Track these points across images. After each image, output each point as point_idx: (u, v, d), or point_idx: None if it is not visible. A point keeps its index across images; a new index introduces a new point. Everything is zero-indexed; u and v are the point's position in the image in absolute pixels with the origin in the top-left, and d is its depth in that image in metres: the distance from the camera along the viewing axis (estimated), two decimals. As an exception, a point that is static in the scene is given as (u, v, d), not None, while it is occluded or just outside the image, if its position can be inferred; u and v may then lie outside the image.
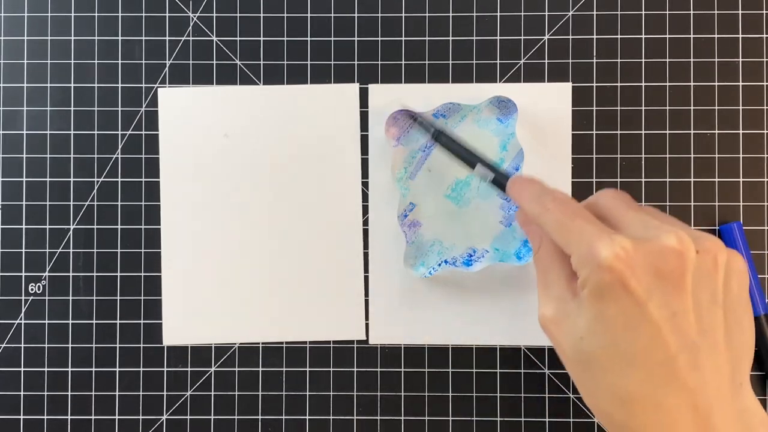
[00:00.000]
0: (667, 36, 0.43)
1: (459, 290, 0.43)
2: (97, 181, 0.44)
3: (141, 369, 0.44)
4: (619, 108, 0.43)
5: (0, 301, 0.44)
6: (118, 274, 0.44)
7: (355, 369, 0.43)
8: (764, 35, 0.43)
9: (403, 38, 0.44)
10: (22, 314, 0.44)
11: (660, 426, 0.28)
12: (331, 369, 0.43)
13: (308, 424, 0.43)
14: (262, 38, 0.44)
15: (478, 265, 0.42)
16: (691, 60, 0.43)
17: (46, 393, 0.44)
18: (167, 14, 0.44)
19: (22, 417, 0.44)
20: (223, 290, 0.43)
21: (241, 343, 0.44)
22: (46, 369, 0.44)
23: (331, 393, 0.43)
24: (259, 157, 0.44)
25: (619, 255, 0.28)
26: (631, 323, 0.28)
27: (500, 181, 0.37)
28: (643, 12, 0.44)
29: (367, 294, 0.43)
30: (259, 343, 0.43)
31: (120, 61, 0.44)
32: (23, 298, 0.44)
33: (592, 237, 0.29)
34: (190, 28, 0.44)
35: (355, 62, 0.44)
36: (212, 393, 0.43)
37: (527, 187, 0.34)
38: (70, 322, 0.44)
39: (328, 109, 0.44)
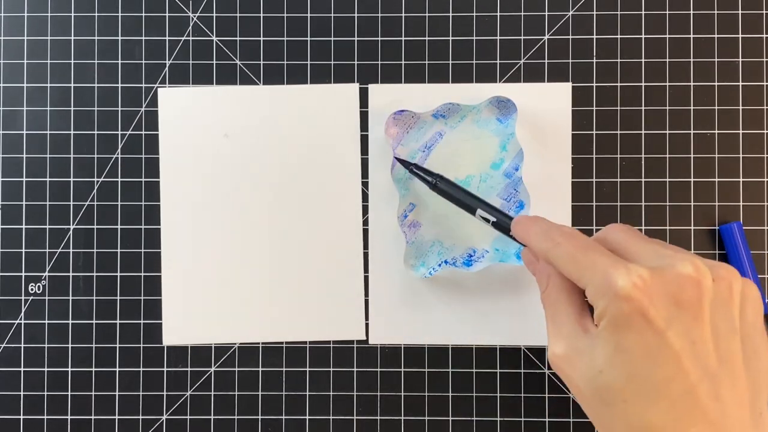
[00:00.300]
0: (667, 36, 0.43)
1: (459, 290, 0.43)
2: (97, 181, 0.44)
3: (141, 369, 0.44)
4: (619, 108, 0.43)
5: (0, 301, 0.44)
6: (118, 274, 0.44)
7: (355, 369, 0.43)
8: (764, 35, 0.43)
9: (403, 38, 0.44)
10: (22, 314, 0.44)
11: None
12: (331, 369, 0.43)
13: (308, 424, 0.43)
14: (262, 38, 0.44)
15: (478, 265, 0.42)
16: (691, 60, 0.43)
17: (46, 393, 0.44)
18: (167, 14, 0.44)
19: (22, 417, 0.44)
20: (223, 290, 0.43)
21: (241, 343, 0.44)
22: (46, 369, 0.44)
23: (331, 393, 0.43)
24: (258, 157, 0.44)
25: (636, 284, 0.28)
26: (651, 353, 0.28)
27: (502, 223, 0.37)
28: (643, 12, 0.44)
29: (367, 294, 0.43)
30: (259, 343, 0.43)
31: (120, 61, 0.44)
32: (23, 298, 0.44)
33: (607, 267, 0.29)
34: (190, 28, 0.44)
35: (355, 62, 0.44)
36: (212, 393, 0.43)
37: (533, 225, 0.34)
38: (70, 322, 0.44)
39: (328, 109, 0.44)
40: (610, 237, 0.32)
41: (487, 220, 0.38)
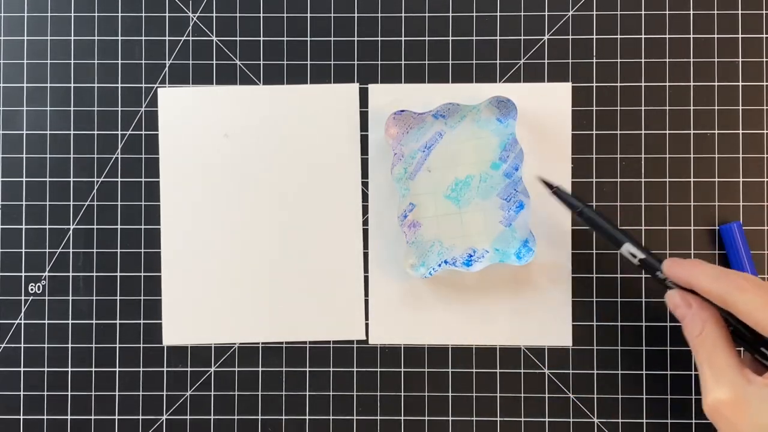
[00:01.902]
0: (667, 36, 0.43)
1: (459, 290, 0.43)
2: (97, 181, 0.44)
3: (141, 369, 0.43)
4: (619, 108, 0.43)
5: (0, 301, 0.44)
6: (118, 274, 0.44)
7: (355, 369, 0.43)
8: (764, 35, 0.43)
9: (403, 38, 0.44)
10: (22, 314, 0.44)
11: None
12: (331, 369, 0.43)
13: (308, 424, 0.43)
14: (262, 38, 0.44)
15: (478, 265, 0.42)
16: (691, 60, 0.43)
17: (46, 393, 0.44)
18: (167, 14, 0.44)
19: (21, 417, 0.43)
20: (223, 290, 0.43)
21: (241, 343, 0.43)
22: (46, 369, 0.44)
23: (331, 393, 0.43)
24: (258, 156, 0.44)
25: None
26: None
27: (650, 262, 0.37)
28: (643, 12, 0.44)
29: (367, 294, 0.43)
30: (259, 343, 0.43)
31: (120, 61, 0.44)
32: (23, 298, 0.44)
33: None
34: (190, 28, 0.44)
35: (355, 62, 0.44)
36: (212, 393, 0.43)
37: (699, 266, 0.34)
38: (70, 322, 0.44)
39: (328, 109, 0.44)
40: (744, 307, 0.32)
41: (633, 256, 0.37)
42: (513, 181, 0.42)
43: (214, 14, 0.44)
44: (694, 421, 0.42)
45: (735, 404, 0.31)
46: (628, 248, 0.37)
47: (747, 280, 0.32)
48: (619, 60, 0.43)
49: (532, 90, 0.43)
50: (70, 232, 0.44)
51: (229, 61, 0.44)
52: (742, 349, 0.36)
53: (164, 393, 0.43)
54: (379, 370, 0.43)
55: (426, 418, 0.43)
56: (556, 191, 0.39)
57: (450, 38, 0.44)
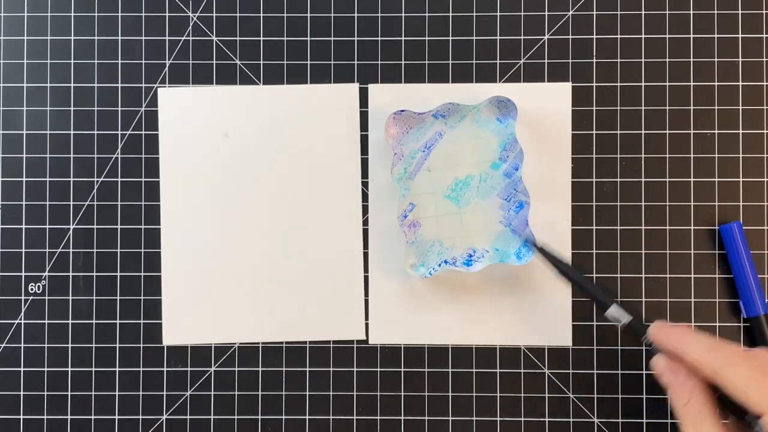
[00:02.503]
0: (667, 36, 0.43)
1: (459, 290, 0.43)
2: (97, 181, 0.44)
3: (141, 369, 0.43)
4: (619, 108, 0.43)
5: (0, 301, 0.44)
6: (118, 274, 0.44)
7: (355, 369, 0.43)
8: (764, 35, 0.43)
9: (403, 38, 0.44)
10: (22, 314, 0.44)
11: None
12: (331, 369, 0.43)
13: (308, 424, 0.43)
14: (262, 38, 0.44)
15: (478, 265, 0.42)
16: (691, 60, 0.43)
17: (46, 393, 0.44)
18: (167, 14, 0.44)
19: (21, 417, 0.43)
20: (223, 290, 0.43)
21: (241, 343, 0.43)
22: (46, 369, 0.44)
23: (331, 393, 0.43)
24: (258, 156, 0.44)
25: None
26: None
27: (636, 327, 0.36)
28: (643, 12, 0.44)
29: (367, 294, 0.43)
30: (259, 343, 0.43)
31: (120, 61, 0.44)
32: (23, 298, 0.44)
33: None
34: (190, 28, 0.44)
35: (355, 62, 0.44)
36: (212, 393, 0.43)
37: (689, 336, 0.34)
38: (70, 322, 0.44)
39: (328, 109, 0.44)
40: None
41: (618, 320, 0.37)
42: (513, 181, 0.42)
43: (214, 14, 0.44)
44: (694, 421, 0.42)
45: None
46: (613, 312, 0.37)
47: (738, 354, 0.32)
48: (619, 60, 0.43)
49: (532, 90, 0.43)
50: (70, 232, 0.44)
51: (229, 61, 0.44)
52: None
53: (164, 393, 0.43)
54: (379, 370, 0.43)
55: (426, 418, 0.43)
56: (541, 251, 0.39)
57: (450, 38, 0.44)
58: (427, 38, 0.44)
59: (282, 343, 0.43)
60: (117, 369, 0.44)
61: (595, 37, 0.43)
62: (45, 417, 0.43)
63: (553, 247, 0.39)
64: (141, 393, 0.43)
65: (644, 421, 0.42)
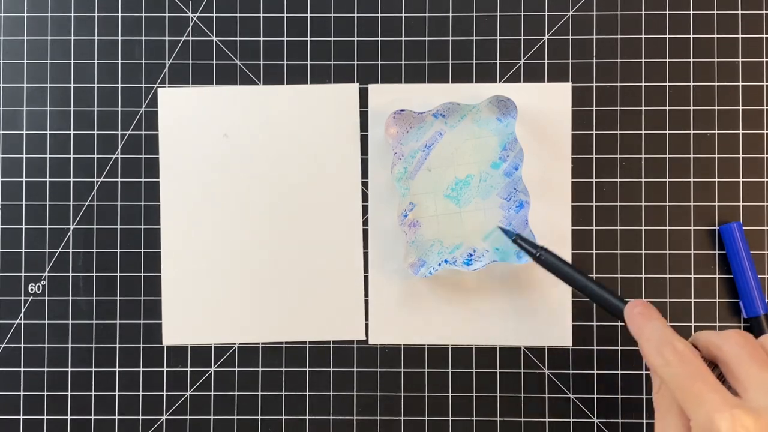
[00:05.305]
0: (667, 36, 0.43)
1: (459, 290, 0.43)
2: (97, 181, 0.44)
3: (141, 369, 0.43)
4: (618, 108, 0.43)
5: (0, 301, 0.44)
6: (118, 274, 0.44)
7: (355, 369, 0.43)
8: (764, 35, 0.43)
9: (403, 38, 0.44)
10: (22, 314, 0.44)
11: None
12: (331, 369, 0.43)
13: (308, 424, 0.43)
14: (262, 38, 0.44)
15: (478, 264, 0.42)
16: (691, 60, 0.43)
17: (45, 393, 0.44)
18: (167, 14, 0.44)
19: (21, 417, 0.43)
20: (223, 290, 0.43)
21: (240, 343, 0.43)
22: (45, 369, 0.44)
23: (331, 393, 0.43)
24: (258, 157, 0.44)
25: None
26: None
27: (613, 307, 0.35)
28: (643, 12, 0.44)
29: (367, 294, 0.43)
30: (259, 343, 0.43)
31: (120, 61, 0.44)
32: (23, 298, 0.44)
33: (712, 409, 0.29)
34: (190, 28, 0.44)
35: (355, 62, 0.44)
36: (212, 393, 0.43)
37: (647, 326, 0.33)
38: (70, 322, 0.44)
39: (328, 109, 0.44)
40: (726, 349, 0.31)
41: (595, 299, 0.36)
42: (513, 180, 0.42)
43: (214, 14, 0.44)
44: (694, 421, 0.42)
45: None
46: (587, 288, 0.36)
47: (675, 354, 0.31)
48: (619, 60, 0.43)
49: (532, 90, 0.43)
50: (70, 232, 0.44)
51: (229, 61, 0.44)
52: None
53: (164, 393, 0.43)
54: (379, 370, 0.43)
55: (426, 418, 0.43)
56: (517, 240, 0.39)
57: (450, 38, 0.44)
58: (427, 38, 0.44)
59: (282, 343, 0.43)
60: (117, 369, 0.43)
61: (595, 37, 0.43)
62: (45, 417, 0.43)
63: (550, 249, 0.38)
64: (141, 393, 0.43)
65: (644, 421, 0.42)
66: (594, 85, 0.43)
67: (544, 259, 0.37)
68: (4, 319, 0.44)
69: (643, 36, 0.43)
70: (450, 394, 0.43)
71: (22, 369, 0.44)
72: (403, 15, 0.44)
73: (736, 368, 0.31)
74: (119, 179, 0.44)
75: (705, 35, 0.43)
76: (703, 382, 0.30)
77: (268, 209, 0.44)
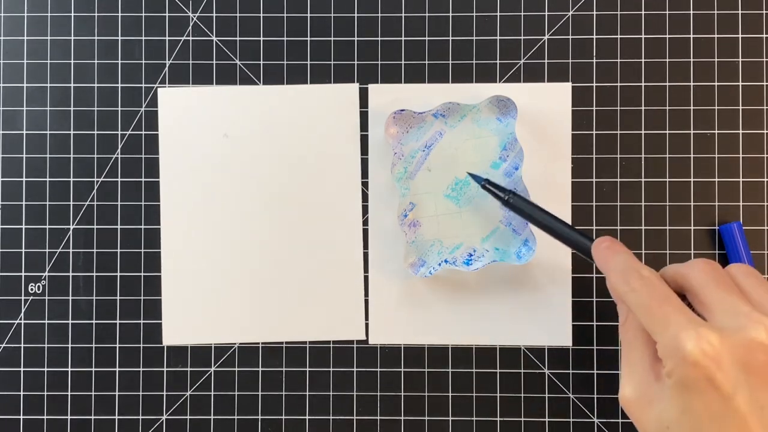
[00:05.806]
0: (667, 36, 0.43)
1: (459, 290, 0.43)
2: (97, 181, 0.44)
3: (141, 369, 0.43)
4: (618, 108, 0.43)
5: (0, 301, 0.44)
6: (118, 274, 0.44)
7: (354, 369, 0.43)
8: (764, 35, 0.43)
9: (403, 38, 0.44)
10: (22, 314, 0.44)
11: None
12: (331, 369, 0.43)
13: (308, 424, 0.43)
14: (261, 38, 0.44)
15: (478, 264, 0.42)
16: (691, 60, 0.43)
17: (45, 393, 0.44)
18: (167, 14, 0.44)
19: (21, 417, 0.43)
20: (223, 290, 0.43)
21: (240, 343, 0.43)
22: (45, 369, 0.44)
23: (331, 393, 0.43)
24: (258, 157, 0.44)
25: (705, 350, 0.28)
26: (717, 417, 0.28)
27: (581, 244, 0.36)
28: (643, 12, 0.44)
29: (367, 294, 0.43)
30: (258, 343, 0.43)
31: (120, 61, 0.44)
32: (23, 298, 0.44)
33: (678, 328, 0.29)
34: (190, 28, 0.44)
35: (355, 62, 0.44)
36: (212, 393, 0.43)
37: (612, 258, 0.34)
38: (70, 322, 0.44)
39: (328, 109, 0.44)
40: (692, 276, 0.32)
41: (564, 239, 0.37)
42: (513, 180, 0.42)
43: (214, 14, 0.44)
44: (694, 421, 0.42)
45: (639, 403, 0.31)
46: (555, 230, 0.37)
47: (641, 279, 0.32)
48: (619, 60, 0.43)
49: (532, 90, 0.43)
50: (70, 232, 0.44)
51: (229, 61, 0.44)
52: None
53: (164, 393, 0.43)
54: (379, 370, 0.43)
55: (426, 418, 0.43)
56: (485, 184, 0.40)
57: (450, 38, 0.44)
58: (427, 38, 0.44)
59: (282, 343, 0.43)
60: (117, 369, 0.44)
61: (595, 37, 0.43)
62: (45, 417, 0.43)
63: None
64: (141, 393, 0.43)
65: (644, 421, 0.42)
66: (594, 85, 0.43)
67: (513, 202, 0.39)
68: (4, 319, 0.44)
69: (643, 36, 0.43)
70: (450, 394, 0.43)
71: (22, 369, 0.44)
72: (403, 15, 0.44)
73: (702, 293, 0.31)
74: (119, 179, 0.44)
75: (705, 35, 0.43)
76: (669, 304, 0.30)
77: (268, 209, 0.44)
